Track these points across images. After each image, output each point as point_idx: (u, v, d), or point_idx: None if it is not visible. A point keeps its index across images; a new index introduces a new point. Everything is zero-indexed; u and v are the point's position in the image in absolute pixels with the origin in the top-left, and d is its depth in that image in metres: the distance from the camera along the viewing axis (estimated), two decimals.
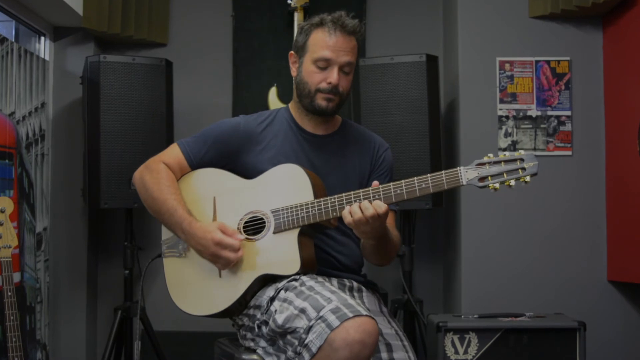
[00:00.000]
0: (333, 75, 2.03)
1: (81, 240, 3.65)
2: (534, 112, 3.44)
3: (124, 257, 3.40)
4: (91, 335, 3.71)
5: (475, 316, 2.89)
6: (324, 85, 2.04)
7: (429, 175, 1.84)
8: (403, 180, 1.86)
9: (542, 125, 3.43)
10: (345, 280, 2.09)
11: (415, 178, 1.85)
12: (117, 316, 3.31)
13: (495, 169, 1.81)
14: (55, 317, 3.55)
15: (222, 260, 1.96)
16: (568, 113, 3.44)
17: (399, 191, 1.86)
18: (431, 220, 3.84)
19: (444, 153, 3.52)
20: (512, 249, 3.41)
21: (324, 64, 2.04)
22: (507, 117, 3.43)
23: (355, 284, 2.10)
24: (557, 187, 3.39)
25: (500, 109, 3.44)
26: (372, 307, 2.07)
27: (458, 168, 1.83)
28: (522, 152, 1.83)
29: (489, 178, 1.81)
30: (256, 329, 1.96)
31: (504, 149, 3.41)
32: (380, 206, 1.84)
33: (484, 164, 1.82)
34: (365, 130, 2.25)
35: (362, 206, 1.85)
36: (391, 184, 1.87)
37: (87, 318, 3.66)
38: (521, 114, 3.43)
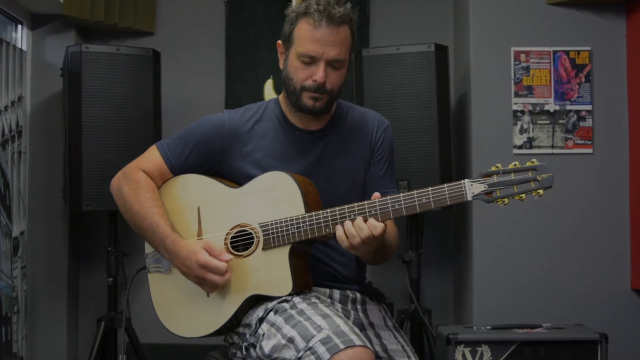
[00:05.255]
0: (319, 73, 1.96)
1: (61, 245, 3.65)
2: (551, 106, 3.43)
3: (107, 264, 3.39)
4: (72, 348, 3.71)
5: (488, 327, 2.89)
6: (309, 82, 1.98)
7: (429, 188, 1.80)
8: (402, 194, 1.83)
9: (561, 121, 3.42)
10: (348, 291, 2.07)
11: (415, 191, 1.81)
12: (101, 327, 3.30)
13: (504, 181, 1.77)
14: (33, 329, 3.55)
15: (209, 283, 1.94)
16: (589, 107, 3.43)
17: (397, 206, 1.82)
18: (440, 223, 3.83)
19: (454, 151, 3.52)
20: (527, 254, 3.40)
21: (309, 60, 1.97)
22: (522, 112, 3.43)
23: (358, 295, 2.09)
24: (577, 187, 3.39)
25: (515, 103, 3.44)
26: (376, 320, 2.06)
27: (462, 181, 1.78)
28: (535, 160, 1.78)
29: (497, 192, 1.76)
30: (244, 351, 1.95)
31: (520, 147, 3.41)
32: (376, 227, 1.80)
33: (491, 175, 1.78)
34: (361, 110, 2.20)
35: (355, 226, 1.81)
36: (388, 197, 1.83)
37: (68, 329, 3.66)
38: (538, 108, 3.43)
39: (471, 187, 1.78)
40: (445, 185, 1.80)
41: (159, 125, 3.40)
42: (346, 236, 1.83)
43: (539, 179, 1.76)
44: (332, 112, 2.13)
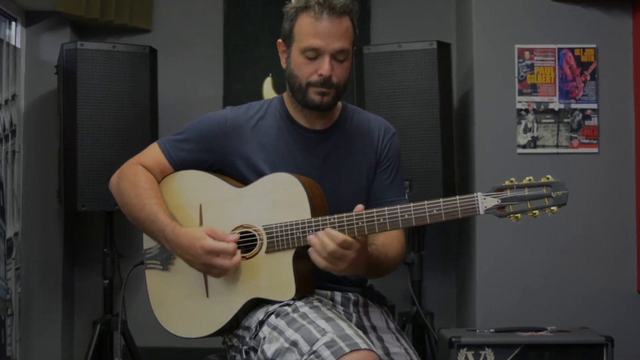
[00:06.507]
0: (324, 66, 1.96)
1: (56, 246, 3.65)
2: (556, 105, 3.43)
3: (103, 265, 3.39)
4: (67, 352, 3.71)
5: (491, 330, 2.88)
6: (315, 77, 1.98)
7: (441, 200, 1.80)
8: (412, 204, 1.83)
9: (566, 120, 3.42)
10: (350, 294, 2.08)
11: (425, 202, 1.81)
12: (96, 330, 3.30)
13: (517, 197, 1.76)
14: (28, 331, 3.55)
15: (217, 268, 1.93)
16: (594, 106, 3.43)
17: (406, 216, 1.82)
18: (443, 224, 3.81)
19: (456, 150, 3.51)
20: (532, 256, 3.40)
21: (313, 54, 1.97)
22: (526, 111, 3.43)
23: (360, 298, 2.09)
24: (582, 188, 3.38)
25: (519, 102, 3.43)
26: (378, 323, 2.05)
27: (475, 195, 1.78)
28: (550, 177, 1.77)
29: (510, 207, 1.76)
30: (244, 355, 1.95)
31: (523, 146, 3.40)
32: (336, 237, 1.79)
33: (504, 189, 1.77)
34: (367, 115, 2.21)
35: (323, 242, 1.80)
36: (398, 207, 1.83)
37: (63, 332, 3.65)
38: (542, 107, 3.43)
39: (484, 201, 1.78)
40: (457, 197, 1.80)
41: (155, 124, 3.39)
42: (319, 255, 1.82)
43: (553, 195, 1.76)
44: (337, 113, 2.13)
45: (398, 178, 2.16)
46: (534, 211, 1.77)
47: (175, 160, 2.08)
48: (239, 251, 1.92)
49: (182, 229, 1.96)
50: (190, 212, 2.03)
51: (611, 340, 2.76)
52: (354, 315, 2.04)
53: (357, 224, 1.84)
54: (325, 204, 1.97)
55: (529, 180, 1.78)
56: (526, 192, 1.77)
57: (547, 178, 1.77)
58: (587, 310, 3.34)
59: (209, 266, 1.93)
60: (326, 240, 1.80)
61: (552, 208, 1.76)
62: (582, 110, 3.42)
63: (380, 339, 2.01)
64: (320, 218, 1.88)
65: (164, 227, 1.97)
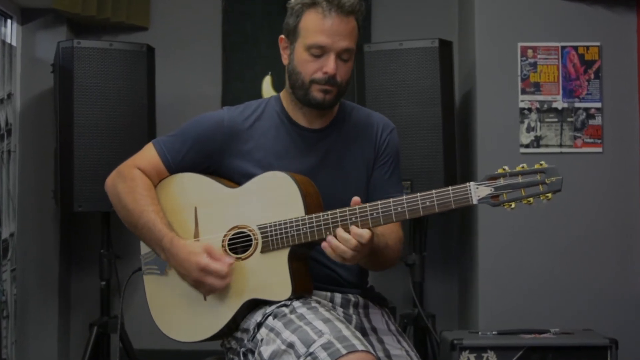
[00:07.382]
0: (329, 64, 1.97)
1: (52, 247, 3.64)
2: (559, 104, 3.43)
3: (100, 267, 3.39)
4: (63, 354, 3.70)
5: (493, 333, 2.88)
6: (319, 75, 1.98)
7: (434, 191, 1.80)
8: (405, 197, 1.83)
9: (569, 119, 3.42)
10: (350, 295, 2.08)
11: (418, 194, 1.81)
12: (93, 333, 3.30)
13: (511, 184, 1.76)
14: (23, 334, 3.54)
15: (207, 287, 1.94)
16: (598, 105, 3.43)
17: (399, 209, 1.82)
18: (444, 225, 3.83)
19: (458, 150, 3.51)
20: (535, 257, 3.39)
21: (319, 51, 1.98)
22: (529, 110, 3.42)
23: (360, 299, 2.09)
24: (586, 188, 3.38)
25: (522, 101, 3.43)
26: (378, 325, 2.05)
27: (468, 184, 1.78)
28: (544, 163, 1.77)
29: (504, 195, 1.76)
30: (242, 357, 1.95)
31: (526, 146, 3.40)
32: (363, 236, 1.80)
33: (497, 177, 1.77)
34: (365, 112, 2.21)
35: (340, 238, 1.82)
36: (391, 200, 1.83)
37: (59, 335, 3.65)
38: (545, 106, 3.42)
39: (477, 190, 1.77)
40: (450, 188, 1.79)
41: (153, 123, 3.39)
42: (332, 249, 1.83)
43: (547, 182, 1.75)
44: (335, 111, 2.13)
45: (396, 174, 2.16)
46: (529, 199, 1.76)
47: (170, 163, 2.08)
48: (229, 275, 1.92)
49: (181, 241, 1.97)
50: (185, 216, 2.04)
51: (615, 342, 2.76)
52: (354, 316, 2.04)
53: (351, 219, 1.85)
54: (320, 202, 1.97)
55: (522, 167, 1.77)
56: (520, 179, 1.76)
57: (541, 164, 1.77)
58: (591, 312, 3.34)
59: (199, 282, 1.94)
60: (345, 236, 1.82)
61: (547, 195, 1.75)
62: (586, 110, 3.42)
63: (381, 341, 2.01)
64: (314, 215, 1.89)
65: (162, 237, 1.97)
